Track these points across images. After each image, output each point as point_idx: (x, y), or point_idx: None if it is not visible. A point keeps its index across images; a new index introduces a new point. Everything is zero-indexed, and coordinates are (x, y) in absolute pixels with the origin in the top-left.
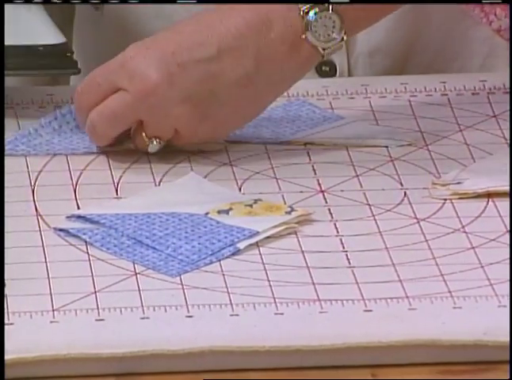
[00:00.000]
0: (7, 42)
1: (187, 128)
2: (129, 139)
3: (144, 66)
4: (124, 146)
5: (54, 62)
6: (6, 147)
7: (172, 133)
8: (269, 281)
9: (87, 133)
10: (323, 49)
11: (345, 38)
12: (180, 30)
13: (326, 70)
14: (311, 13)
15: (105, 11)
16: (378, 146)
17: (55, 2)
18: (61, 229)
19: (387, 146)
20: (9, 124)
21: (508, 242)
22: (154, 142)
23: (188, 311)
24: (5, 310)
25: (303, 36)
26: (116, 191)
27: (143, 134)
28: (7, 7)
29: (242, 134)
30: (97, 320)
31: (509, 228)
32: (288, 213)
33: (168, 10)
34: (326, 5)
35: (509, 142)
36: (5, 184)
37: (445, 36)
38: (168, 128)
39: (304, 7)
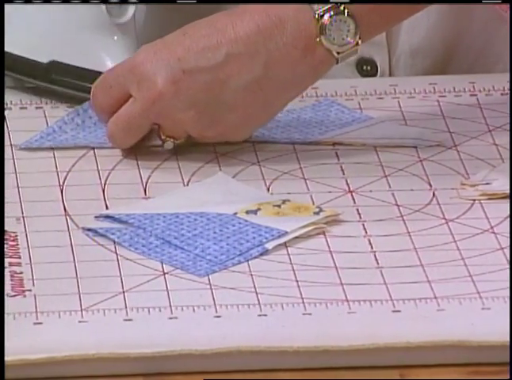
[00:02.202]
0: (83, 65)
1: (196, 132)
2: (152, 136)
3: (151, 72)
4: (148, 143)
5: None
6: (33, 144)
7: (185, 135)
8: (297, 281)
9: (108, 140)
10: (337, 53)
11: (359, 42)
12: (190, 33)
13: (368, 69)
14: (326, 17)
15: None
16: (407, 147)
17: (56, 2)
18: (89, 229)
19: (415, 147)
20: (39, 124)
21: None
22: (169, 142)
23: (216, 311)
24: (34, 310)
25: (317, 40)
26: (145, 191)
27: (160, 133)
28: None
29: (270, 134)
30: (125, 320)
31: None
32: (317, 213)
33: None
34: (342, 8)
35: None
36: (34, 184)
37: (487, 38)
38: (180, 131)
39: (320, 10)
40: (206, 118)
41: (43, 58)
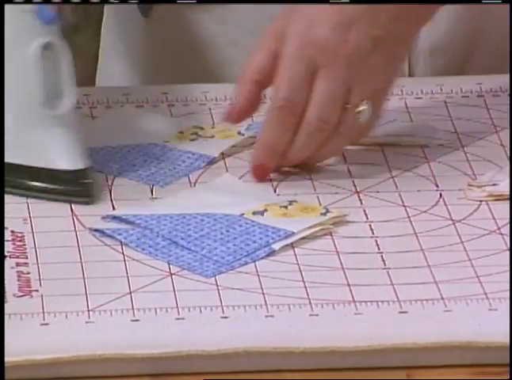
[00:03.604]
0: (28, 163)
1: (384, 73)
2: None
3: (322, 31)
4: None
5: (69, 188)
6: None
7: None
8: (303, 282)
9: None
10: None
11: None
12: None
13: None
14: None
15: (154, 16)
16: (413, 147)
17: (56, 2)
18: (96, 230)
19: (423, 147)
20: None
21: None
22: (365, 106)
23: (223, 312)
24: (41, 310)
25: None
26: (152, 191)
27: (350, 106)
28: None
29: None
30: (132, 320)
31: None
32: (324, 214)
33: (234, 16)
34: None
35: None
36: None
37: (507, 35)
38: (376, 82)
39: None
40: (388, 54)
41: None
